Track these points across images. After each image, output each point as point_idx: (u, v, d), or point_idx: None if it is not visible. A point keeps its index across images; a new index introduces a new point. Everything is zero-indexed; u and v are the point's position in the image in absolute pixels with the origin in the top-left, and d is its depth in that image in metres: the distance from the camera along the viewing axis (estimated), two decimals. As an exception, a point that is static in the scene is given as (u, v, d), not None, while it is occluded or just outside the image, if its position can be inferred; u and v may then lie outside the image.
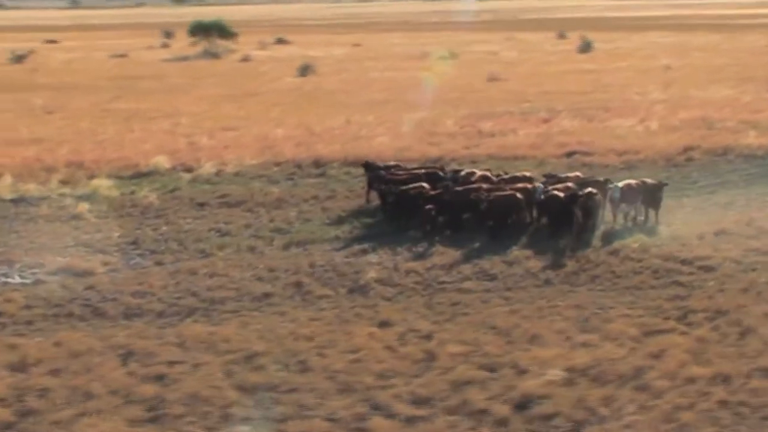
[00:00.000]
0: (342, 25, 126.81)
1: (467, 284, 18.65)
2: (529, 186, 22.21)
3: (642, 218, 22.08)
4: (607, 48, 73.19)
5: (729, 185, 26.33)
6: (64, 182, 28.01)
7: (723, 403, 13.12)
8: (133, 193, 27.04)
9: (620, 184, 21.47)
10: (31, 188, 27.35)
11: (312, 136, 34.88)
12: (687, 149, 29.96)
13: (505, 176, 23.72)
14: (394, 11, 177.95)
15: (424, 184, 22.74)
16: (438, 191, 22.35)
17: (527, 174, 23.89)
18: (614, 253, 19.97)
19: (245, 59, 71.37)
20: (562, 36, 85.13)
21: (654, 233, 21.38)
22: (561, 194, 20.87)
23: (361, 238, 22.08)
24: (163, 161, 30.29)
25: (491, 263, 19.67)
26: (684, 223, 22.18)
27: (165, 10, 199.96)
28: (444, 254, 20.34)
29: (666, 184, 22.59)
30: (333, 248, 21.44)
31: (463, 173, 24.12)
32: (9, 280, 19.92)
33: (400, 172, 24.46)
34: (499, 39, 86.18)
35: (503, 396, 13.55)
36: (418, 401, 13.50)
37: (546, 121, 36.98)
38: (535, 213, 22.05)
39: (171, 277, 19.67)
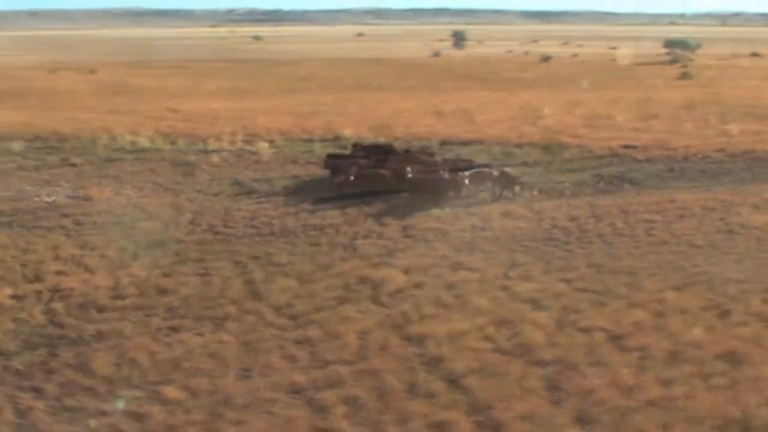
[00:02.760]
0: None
1: (245, 231, 20.32)
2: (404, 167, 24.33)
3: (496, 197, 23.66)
4: None
5: (665, 180, 26.21)
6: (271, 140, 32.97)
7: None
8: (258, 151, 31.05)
9: (467, 173, 23.79)
10: (223, 144, 32.63)
11: (508, 119, 37.03)
12: (718, 150, 29.76)
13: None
14: None
15: (361, 161, 25.36)
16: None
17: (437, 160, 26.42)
18: (384, 224, 20.64)
19: (683, 66, 72.32)
20: None
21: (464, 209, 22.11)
22: (422, 176, 23.98)
23: (295, 194, 24.36)
24: (347, 132, 34.04)
25: (298, 218, 21.28)
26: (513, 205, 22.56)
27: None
28: (297, 211, 22.16)
29: (518, 177, 24.16)
30: (257, 197, 24.16)
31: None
32: (40, 198, 25.26)
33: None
34: None
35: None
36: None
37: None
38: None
39: (120, 205, 23.69)
